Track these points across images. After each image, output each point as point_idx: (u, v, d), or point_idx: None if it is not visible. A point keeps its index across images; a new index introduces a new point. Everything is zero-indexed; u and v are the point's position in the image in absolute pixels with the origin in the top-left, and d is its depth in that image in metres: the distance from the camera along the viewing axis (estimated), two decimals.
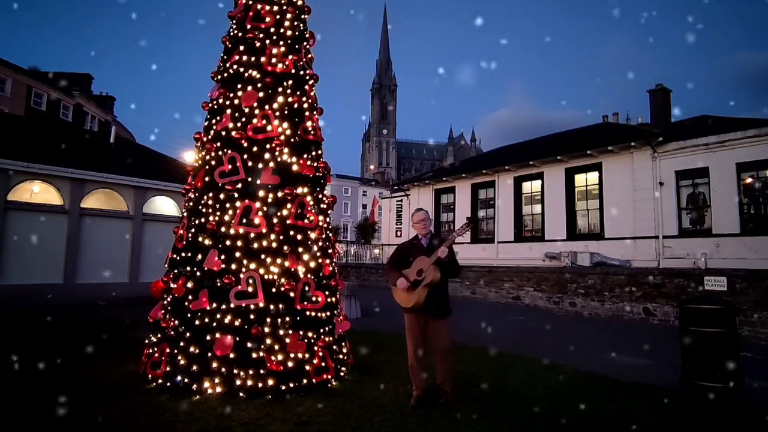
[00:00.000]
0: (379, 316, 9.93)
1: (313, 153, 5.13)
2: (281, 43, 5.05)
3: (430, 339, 4.03)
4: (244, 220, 4.46)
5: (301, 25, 5.36)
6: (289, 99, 4.97)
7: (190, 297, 4.37)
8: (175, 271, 4.67)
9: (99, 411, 3.55)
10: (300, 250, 4.63)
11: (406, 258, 4.11)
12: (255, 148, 4.69)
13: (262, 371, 4.08)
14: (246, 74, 4.92)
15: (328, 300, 4.76)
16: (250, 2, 5.11)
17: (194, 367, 4.10)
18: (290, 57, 5.05)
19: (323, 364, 4.45)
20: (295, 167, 4.80)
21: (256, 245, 4.44)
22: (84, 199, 11.81)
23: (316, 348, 4.45)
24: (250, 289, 4.28)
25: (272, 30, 5.04)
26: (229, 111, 4.85)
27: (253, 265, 4.37)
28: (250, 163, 4.64)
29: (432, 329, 4.01)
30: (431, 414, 3.71)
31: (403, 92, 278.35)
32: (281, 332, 4.27)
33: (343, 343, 5.01)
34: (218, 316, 4.22)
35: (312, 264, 4.69)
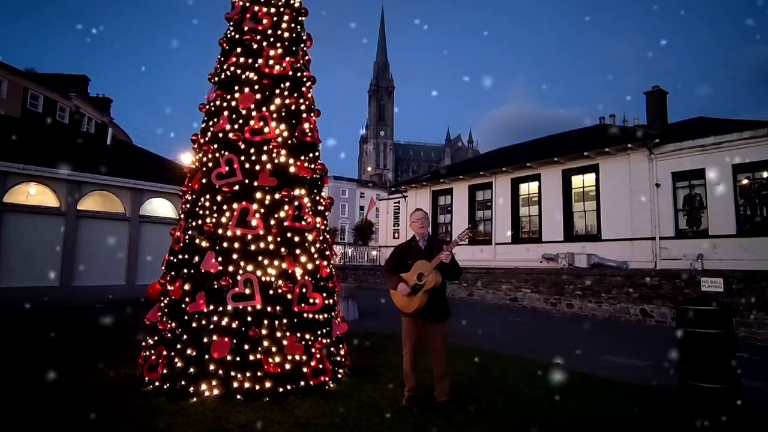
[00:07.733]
0: (377, 317, 9.91)
1: (311, 155, 5.12)
2: (278, 45, 5.06)
3: (428, 342, 3.98)
4: (242, 222, 4.45)
5: (299, 27, 5.36)
6: (287, 101, 4.97)
7: (187, 299, 4.36)
8: (172, 273, 4.66)
9: (96, 413, 3.53)
10: (297, 252, 4.62)
11: (404, 261, 4.02)
12: (252, 150, 4.69)
13: (259, 373, 4.07)
14: (243, 76, 4.92)
15: (326, 302, 4.75)
16: (248, 4, 5.11)
17: (191, 370, 4.08)
18: (287, 59, 5.05)
19: (321, 366, 4.45)
20: (292, 169, 4.79)
21: (253, 247, 4.43)
22: (81, 201, 11.77)
23: (313, 350, 4.44)
24: (247, 291, 4.26)
25: (269, 32, 5.05)
26: (226, 113, 4.84)
27: (250, 267, 4.36)
28: (247, 165, 4.63)
29: (430, 333, 3.96)
30: (429, 415, 3.71)
31: (401, 94, 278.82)
32: (279, 334, 4.27)
33: (340, 345, 5.01)
34: (215, 318, 4.21)
35: (309, 266, 4.69)
